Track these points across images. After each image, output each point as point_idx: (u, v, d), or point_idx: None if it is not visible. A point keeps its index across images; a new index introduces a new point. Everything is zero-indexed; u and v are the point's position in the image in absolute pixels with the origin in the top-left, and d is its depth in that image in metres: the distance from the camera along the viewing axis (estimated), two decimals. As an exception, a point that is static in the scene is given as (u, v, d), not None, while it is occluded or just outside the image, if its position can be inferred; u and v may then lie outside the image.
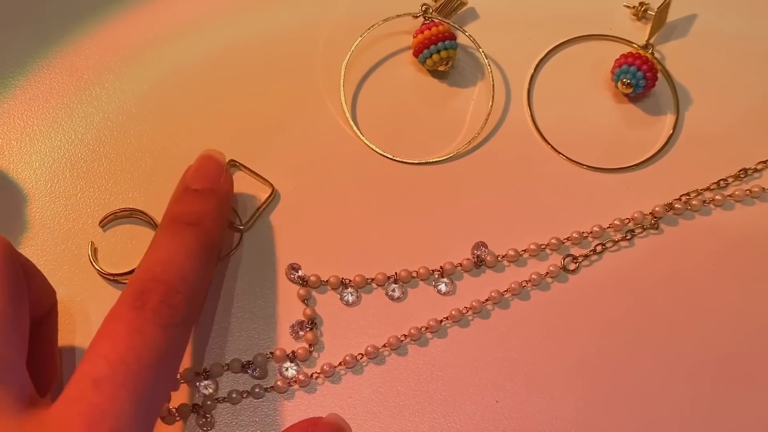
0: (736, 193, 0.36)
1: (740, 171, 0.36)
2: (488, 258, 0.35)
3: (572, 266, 0.35)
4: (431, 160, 0.37)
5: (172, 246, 0.29)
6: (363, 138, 0.37)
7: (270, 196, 0.35)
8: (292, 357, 0.33)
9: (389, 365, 0.33)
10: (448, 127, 0.37)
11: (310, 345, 0.33)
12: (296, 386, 0.32)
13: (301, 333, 0.33)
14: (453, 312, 0.33)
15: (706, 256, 0.35)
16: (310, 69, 0.38)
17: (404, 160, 0.37)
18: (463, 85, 0.38)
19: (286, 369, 0.32)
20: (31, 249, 0.34)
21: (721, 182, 0.36)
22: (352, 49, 0.38)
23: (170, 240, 0.29)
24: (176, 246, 0.28)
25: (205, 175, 0.32)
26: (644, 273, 0.35)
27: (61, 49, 0.38)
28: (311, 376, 0.32)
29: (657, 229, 0.35)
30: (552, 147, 0.37)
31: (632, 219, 0.35)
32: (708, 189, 0.36)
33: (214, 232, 0.30)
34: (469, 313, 0.34)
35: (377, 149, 0.37)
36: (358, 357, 0.33)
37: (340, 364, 0.33)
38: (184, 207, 0.31)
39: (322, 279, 0.34)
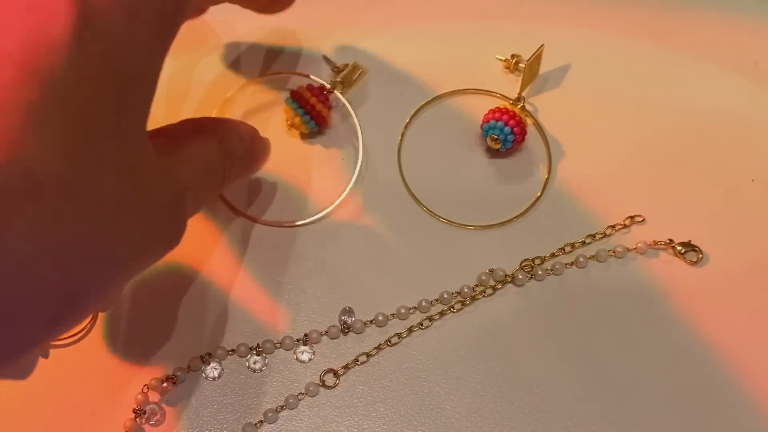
0: (600, 253, 0.35)
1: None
2: (355, 324, 0.34)
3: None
4: (298, 223, 0.36)
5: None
6: (229, 201, 0.36)
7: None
8: None
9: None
10: (317, 190, 0.37)
11: None
12: None
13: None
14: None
15: (567, 311, 0.34)
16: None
17: (271, 224, 0.36)
18: (334, 146, 0.38)
19: None
20: None
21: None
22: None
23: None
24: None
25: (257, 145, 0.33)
26: (505, 326, 0.34)
27: None
28: None
29: (518, 284, 0.35)
30: (422, 205, 0.36)
31: (492, 274, 0.35)
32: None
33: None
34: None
35: (243, 212, 0.36)
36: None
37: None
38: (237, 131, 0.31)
39: (181, 368, 0.33)
